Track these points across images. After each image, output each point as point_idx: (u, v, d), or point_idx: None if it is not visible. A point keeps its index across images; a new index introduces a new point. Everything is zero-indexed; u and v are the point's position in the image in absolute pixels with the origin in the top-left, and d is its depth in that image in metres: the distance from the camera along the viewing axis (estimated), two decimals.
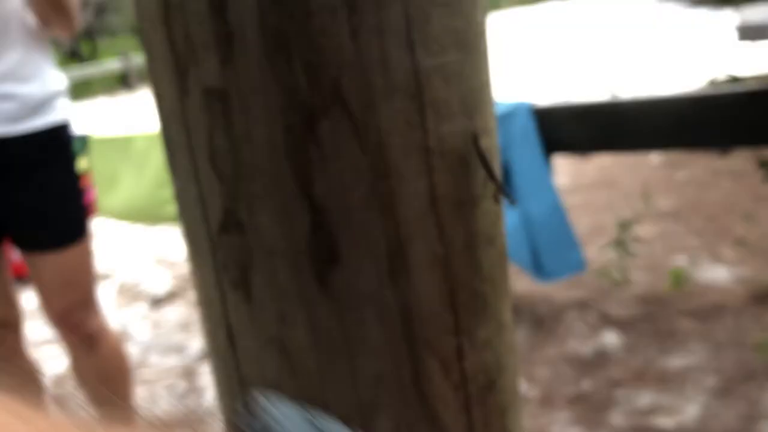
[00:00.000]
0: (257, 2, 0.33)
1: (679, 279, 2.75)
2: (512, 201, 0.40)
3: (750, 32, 3.88)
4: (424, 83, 0.36)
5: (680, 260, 3.03)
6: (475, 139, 0.39)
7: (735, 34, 3.93)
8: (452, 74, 0.37)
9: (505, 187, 0.39)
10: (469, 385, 0.39)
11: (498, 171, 0.41)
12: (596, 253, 3.06)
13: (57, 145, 1.74)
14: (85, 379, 2.02)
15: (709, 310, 2.76)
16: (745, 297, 2.78)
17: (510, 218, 2.35)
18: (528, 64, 8.87)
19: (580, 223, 3.49)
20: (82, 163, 1.81)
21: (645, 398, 2.11)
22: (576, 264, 2.38)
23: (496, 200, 0.40)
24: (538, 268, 2.37)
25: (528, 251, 2.34)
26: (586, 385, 2.41)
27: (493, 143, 0.41)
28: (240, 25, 0.34)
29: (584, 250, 3.14)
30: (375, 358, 0.37)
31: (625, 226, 2.89)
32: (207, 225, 0.38)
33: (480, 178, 0.39)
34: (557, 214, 2.36)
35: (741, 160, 3.81)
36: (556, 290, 2.83)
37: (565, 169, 4.23)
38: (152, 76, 0.39)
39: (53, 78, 1.72)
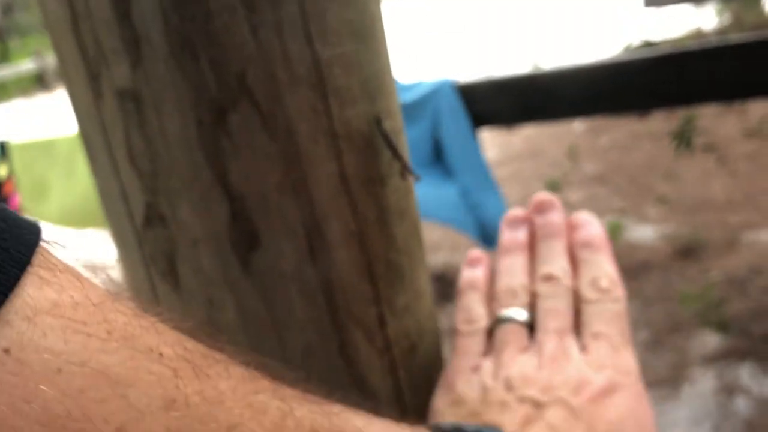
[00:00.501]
0: (160, 7, 0.35)
1: (616, 233, 2.86)
2: (417, 178, 0.43)
3: None
4: (325, 73, 0.38)
5: (606, 222, 3.14)
6: (378, 122, 0.42)
7: (641, 1, 4.06)
8: (351, 63, 0.40)
9: (408, 165, 0.42)
10: (393, 349, 0.43)
11: (404, 150, 0.44)
12: None
13: None
14: None
15: (637, 268, 2.87)
16: (671, 253, 2.91)
17: (451, 193, 2.40)
18: (447, 40, 8.95)
19: (512, 193, 3.58)
20: (3, 170, 1.77)
21: None
22: None
23: (404, 177, 0.43)
24: (485, 237, 2.44)
25: (473, 222, 2.41)
26: None
27: (397, 124, 0.44)
28: (145, 29, 0.36)
29: None
30: (301, 332, 0.40)
31: (553, 185, 2.98)
32: (131, 220, 0.40)
33: (386, 158, 0.42)
34: (490, 187, 2.42)
35: (659, 122, 3.96)
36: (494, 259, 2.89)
37: (492, 141, 4.32)
38: (65, 80, 0.41)
39: None
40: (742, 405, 2.09)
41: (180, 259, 0.40)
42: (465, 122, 2.44)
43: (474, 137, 2.49)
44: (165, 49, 0.36)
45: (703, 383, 2.16)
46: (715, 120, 3.90)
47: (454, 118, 2.44)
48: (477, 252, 0.54)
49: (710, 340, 2.34)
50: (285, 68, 0.38)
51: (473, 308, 0.48)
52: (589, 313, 0.45)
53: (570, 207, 3.12)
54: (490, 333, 0.47)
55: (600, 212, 3.21)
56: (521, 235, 0.52)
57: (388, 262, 0.42)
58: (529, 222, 0.53)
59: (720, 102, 2.51)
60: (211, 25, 0.36)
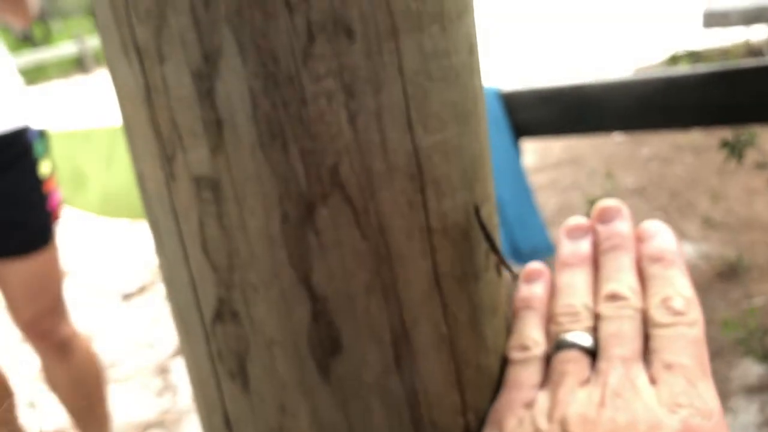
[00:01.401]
0: (248, 88, 0.31)
1: None
2: (514, 276, 0.39)
3: (716, 19, 3.90)
4: (424, 162, 0.34)
5: None
6: (476, 211, 0.37)
7: (700, 20, 3.95)
8: (451, 149, 0.35)
9: (504, 259, 0.38)
10: None
11: (499, 241, 0.39)
12: None
13: (17, 152, 1.68)
14: (57, 386, 1.99)
15: None
16: (711, 274, 2.83)
17: None
18: (491, 49, 8.86)
19: (548, 203, 3.51)
20: (46, 166, 1.76)
21: None
22: (544, 248, 2.39)
23: (498, 271, 0.39)
24: (515, 253, 2.38)
25: (504, 239, 2.35)
26: None
27: (492, 210, 0.39)
28: (230, 112, 0.32)
29: (554, 230, 3.16)
30: None
31: (593, 202, 2.91)
32: (200, 312, 0.36)
33: (482, 251, 0.38)
34: (527, 200, 2.36)
35: (702, 135, 3.87)
36: None
37: (531, 147, 4.26)
38: (133, 153, 0.37)
39: (9, 81, 1.66)
40: None
41: (252, 359, 0.36)
42: (507, 132, 2.38)
43: (515, 148, 2.43)
44: (251, 136, 0.32)
45: (747, 416, 2.09)
46: (764, 135, 3.79)
47: (496, 127, 2.39)
48: (536, 265, 0.48)
49: (753, 370, 2.27)
50: (382, 159, 0.33)
51: (528, 332, 0.43)
52: (661, 338, 0.39)
53: None
54: (548, 360, 0.42)
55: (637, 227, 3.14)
56: (583, 247, 0.46)
57: (478, 367, 0.38)
58: (592, 232, 0.47)
59: None
60: (305, 112, 0.32)
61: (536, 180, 3.78)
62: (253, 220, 0.34)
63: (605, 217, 0.47)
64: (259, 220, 0.34)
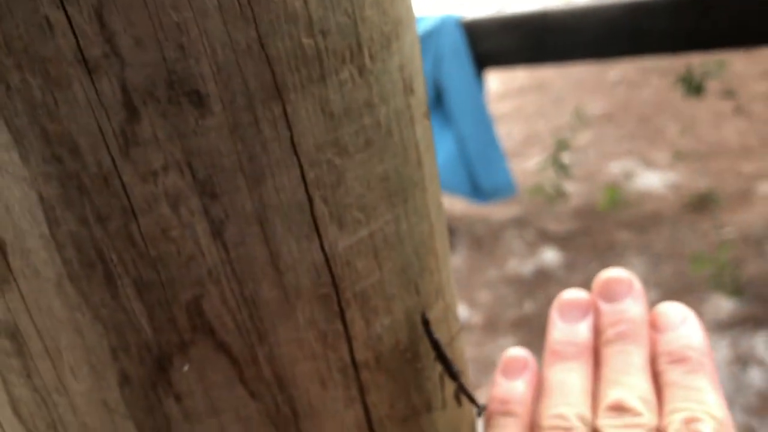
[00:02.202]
0: (38, 198, 0.19)
1: (615, 195, 2.72)
2: (480, 409, 0.27)
3: None
4: (342, 274, 0.22)
5: (614, 168, 2.99)
6: (425, 321, 0.25)
7: None
8: (384, 245, 0.23)
9: (466, 385, 0.26)
10: None
11: (460, 358, 0.28)
12: (531, 165, 2.99)
13: None
14: None
15: (646, 221, 2.74)
16: (681, 205, 2.77)
17: (445, 145, 2.22)
18: None
19: (513, 132, 3.40)
20: None
21: None
22: (506, 188, 2.29)
23: (458, 400, 0.27)
24: (475, 191, 2.28)
25: (465, 176, 2.24)
26: (528, 306, 2.37)
27: (450, 304, 0.28)
28: (14, 232, 0.19)
29: (519, 163, 3.06)
30: None
31: (561, 143, 2.80)
32: None
33: (435, 374, 0.26)
34: (488, 134, 2.24)
35: (670, 57, 3.74)
36: (493, 210, 2.76)
37: (494, 74, 4.10)
38: None
39: None
40: (756, 377, 2.00)
41: None
42: (468, 63, 2.24)
43: (477, 80, 2.29)
44: (53, 266, 0.20)
45: (716, 352, 2.06)
46: (729, 59, 3.68)
47: (457, 58, 2.24)
48: (518, 352, 0.36)
49: (723, 305, 2.23)
50: (272, 282, 0.21)
51: None
52: None
53: (575, 152, 2.96)
54: None
55: (606, 157, 3.05)
56: (581, 332, 0.34)
57: None
58: (593, 312, 0.36)
59: (745, 47, 2.31)
60: (135, 228, 0.19)
61: (500, 108, 3.65)
62: (77, 382, 0.22)
63: (611, 293, 0.35)
64: (86, 383, 0.22)
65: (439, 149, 2.22)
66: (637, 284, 0.35)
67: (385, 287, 0.24)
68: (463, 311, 2.28)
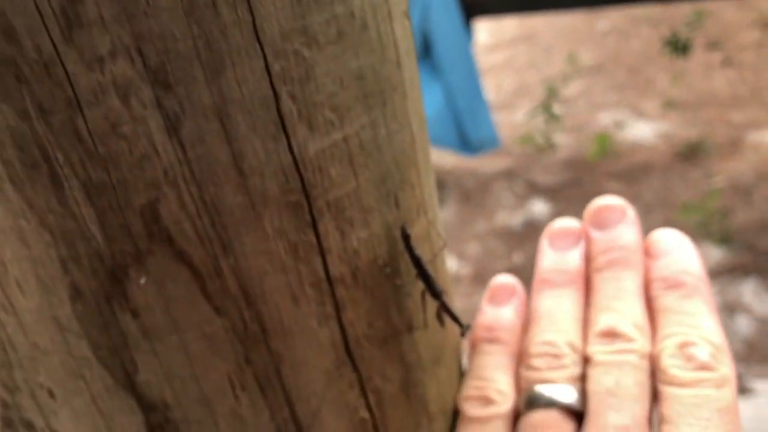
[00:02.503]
0: None
1: (604, 145, 2.70)
2: (464, 328, 0.26)
3: None
4: (313, 180, 0.20)
5: (604, 118, 2.97)
6: (405, 236, 0.24)
7: None
8: (360, 150, 0.21)
9: (448, 304, 0.25)
10: None
11: (444, 275, 0.26)
12: (521, 116, 2.97)
13: None
14: None
15: (635, 171, 2.73)
16: (671, 154, 2.76)
17: (435, 97, 2.19)
18: None
19: (504, 84, 3.37)
20: None
21: None
22: (490, 141, 2.27)
23: (441, 320, 0.26)
24: (464, 143, 2.25)
25: (453, 128, 2.21)
26: (517, 258, 2.37)
27: (433, 221, 0.26)
28: None
29: (509, 114, 3.04)
30: None
31: (552, 91, 2.77)
32: None
33: (417, 292, 0.25)
34: (476, 86, 2.21)
35: (659, 7, 3.69)
36: (482, 162, 2.74)
37: (483, 25, 4.04)
38: None
39: None
40: (743, 324, 2.01)
41: None
42: (457, 13, 2.20)
43: (465, 30, 2.25)
44: None
45: None
46: (719, 9, 3.64)
47: (445, 8, 2.19)
48: (505, 279, 0.35)
49: (712, 254, 2.24)
50: (236, 186, 0.19)
51: (491, 378, 0.30)
52: (677, 403, 0.27)
53: (565, 102, 2.93)
54: (516, 418, 0.30)
55: (596, 107, 3.02)
56: (572, 260, 0.33)
57: None
58: (584, 240, 0.34)
59: None
60: (81, 122, 0.17)
61: (490, 60, 3.60)
62: (24, 298, 0.20)
63: (603, 220, 0.33)
64: (34, 299, 0.20)
65: (428, 102, 2.19)
66: (631, 211, 0.33)
67: (362, 198, 0.22)
68: (452, 263, 2.27)
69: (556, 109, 2.86)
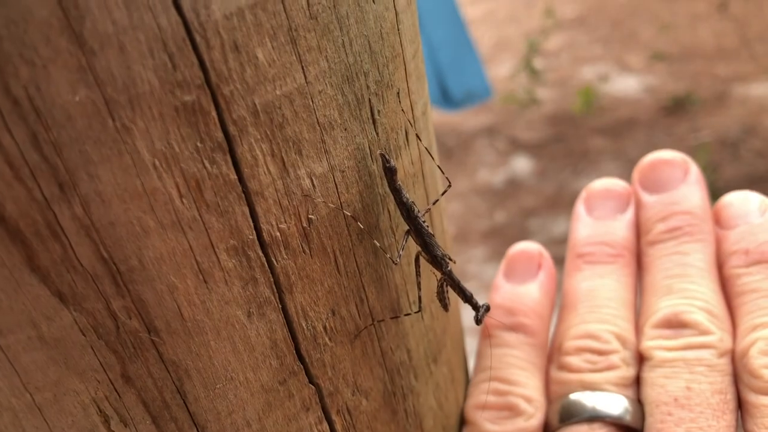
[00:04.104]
0: None
1: (589, 98, 2.62)
2: (480, 313, 0.17)
3: None
4: (223, 65, 0.11)
5: (587, 73, 2.89)
6: (387, 169, 0.15)
7: None
8: (305, 20, 0.12)
9: (457, 280, 0.16)
10: None
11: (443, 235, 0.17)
12: (503, 71, 2.88)
13: None
14: None
15: (620, 126, 2.67)
16: (656, 108, 2.70)
17: None
18: None
19: (484, 38, 3.27)
20: None
21: (560, 225, 2.00)
22: (481, 91, 2.17)
23: (444, 300, 0.17)
24: (445, 99, 2.15)
25: (435, 83, 2.11)
26: (500, 216, 2.31)
27: (429, 145, 0.17)
28: None
29: (490, 69, 2.94)
30: None
31: (533, 45, 2.68)
32: None
33: (403, 258, 0.16)
34: (461, 37, 2.10)
35: None
36: (464, 119, 2.65)
37: None
38: None
39: None
40: None
41: None
42: None
43: None
44: None
45: None
46: None
47: None
48: (528, 246, 0.26)
49: None
50: (77, 70, 0.10)
51: (515, 380, 0.21)
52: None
53: (547, 57, 2.83)
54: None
55: (579, 62, 2.93)
56: (619, 229, 0.24)
57: None
58: (633, 204, 0.25)
59: None
60: None
61: (469, 13, 3.48)
62: None
63: (659, 179, 0.24)
64: None
65: None
66: (694, 167, 0.24)
67: (315, 104, 0.13)
68: None
69: (539, 63, 2.78)
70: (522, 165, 2.52)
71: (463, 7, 2.26)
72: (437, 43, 2.06)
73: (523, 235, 2.09)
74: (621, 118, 2.71)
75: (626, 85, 2.86)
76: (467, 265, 1.97)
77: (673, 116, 2.70)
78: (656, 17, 3.17)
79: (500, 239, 2.15)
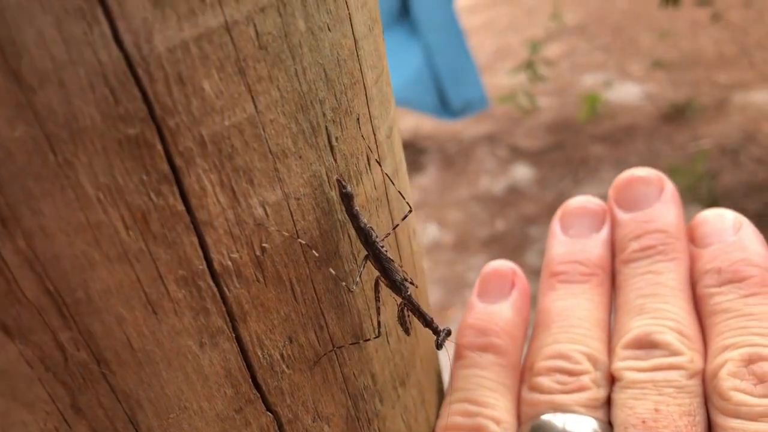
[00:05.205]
0: None
1: (594, 105, 2.62)
2: (440, 338, 0.17)
3: None
4: (167, 98, 0.11)
5: (588, 81, 2.89)
6: (343, 195, 0.15)
7: None
8: (254, 49, 0.12)
9: (417, 304, 0.16)
10: None
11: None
12: (503, 79, 2.88)
13: None
14: None
15: (620, 133, 2.67)
16: (657, 116, 2.70)
17: (413, 58, 2.09)
18: None
19: (484, 46, 3.27)
20: None
21: None
22: (478, 101, 2.17)
23: (405, 324, 0.17)
24: (444, 106, 2.15)
25: (433, 91, 2.11)
26: (500, 225, 2.30)
27: (395, 172, 0.17)
28: None
29: (491, 77, 2.94)
30: None
31: (535, 47, 2.68)
32: None
33: (362, 284, 0.16)
34: (459, 45, 2.11)
35: None
36: (464, 126, 2.65)
37: None
38: None
39: None
40: None
41: None
42: None
43: None
44: None
45: None
46: None
47: None
48: (501, 264, 0.25)
49: None
50: (16, 108, 0.10)
51: (485, 401, 0.21)
52: None
53: (548, 64, 2.83)
54: None
55: (580, 70, 2.93)
56: (593, 249, 0.24)
57: None
58: (609, 222, 0.25)
59: None
60: None
61: (471, 21, 3.48)
62: None
63: (634, 197, 0.24)
64: None
65: (406, 64, 2.10)
66: (669, 184, 0.24)
67: (267, 134, 0.13)
68: (433, 231, 2.20)
69: (539, 70, 2.78)
70: (522, 173, 2.52)
71: (463, 15, 2.26)
72: (436, 50, 2.06)
73: (524, 243, 2.09)
74: (621, 126, 2.71)
75: (626, 92, 2.86)
76: (467, 273, 1.97)
77: (673, 124, 2.70)
78: (656, 25, 3.17)
79: (501, 247, 2.14)
